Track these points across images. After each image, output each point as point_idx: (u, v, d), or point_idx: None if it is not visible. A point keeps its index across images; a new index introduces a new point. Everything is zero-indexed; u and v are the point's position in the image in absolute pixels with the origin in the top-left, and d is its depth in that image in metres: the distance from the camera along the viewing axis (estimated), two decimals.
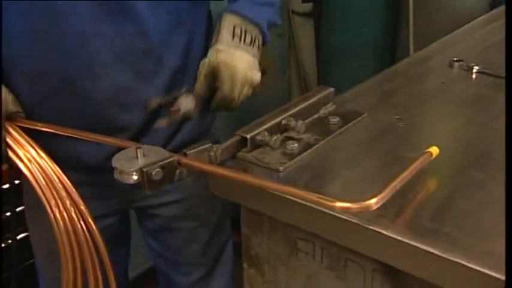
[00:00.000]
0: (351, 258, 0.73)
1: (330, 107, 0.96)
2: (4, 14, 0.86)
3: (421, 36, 1.77)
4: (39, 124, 0.89)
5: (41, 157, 0.87)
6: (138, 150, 0.75)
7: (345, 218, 0.68)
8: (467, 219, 0.67)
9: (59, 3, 0.84)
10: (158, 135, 0.98)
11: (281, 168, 0.79)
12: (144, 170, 0.73)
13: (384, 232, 0.65)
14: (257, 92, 1.00)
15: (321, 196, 0.65)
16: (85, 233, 0.89)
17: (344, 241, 0.71)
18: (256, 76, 0.96)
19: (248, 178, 0.72)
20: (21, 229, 1.44)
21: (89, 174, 1.00)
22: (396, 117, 0.94)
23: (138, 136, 0.97)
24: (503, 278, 0.56)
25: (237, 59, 0.93)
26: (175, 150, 0.82)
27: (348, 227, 0.68)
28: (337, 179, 0.78)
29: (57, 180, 0.87)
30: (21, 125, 0.89)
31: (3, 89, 0.87)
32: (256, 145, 0.84)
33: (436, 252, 0.61)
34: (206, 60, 0.93)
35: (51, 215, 0.87)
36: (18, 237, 1.48)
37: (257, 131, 0.84)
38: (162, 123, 0.95)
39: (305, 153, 0.83)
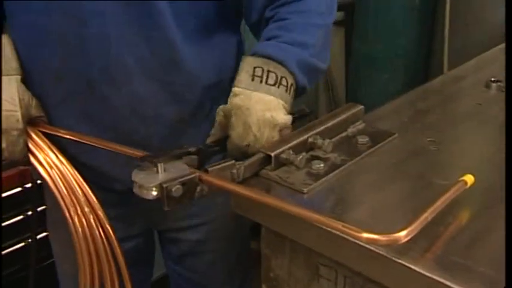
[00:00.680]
0: None
1: (359, 125, 0.93)
2: (31, 13, 0.85)
3: (456, 53, 1.71)
4: (61, 131, 0.88)
5: (62, 163, 0.87)
6: (159, 164, 0.73)
7: (371, 248, 0.64)
8: (504, 256, 0.63)
9: (86, 4, 0.82)
10: None
11: (305, 190, 0.76)
12: (164, 186, 0.71)
13: (412, 267, 0.61)
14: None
15: (346, 225, 0.61)
16: (103, 240, 0.88)
17: (369, 272, 0.67)
18: (280, 117, 0.83)
19: (270, 200, 0.69)
20: (41, 229, 1.45)
21: (114, 195, 0.98)
22: (428, 139, 0.90)
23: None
24: None
25: (254, 101, 0.83)
26: None
27: (374, 257, 0.65)
28: (364, 204, 0.75)
29: (77, 187, 0.87)
30: (44, 130, 0.88)
31: (27, 93, 0.86)
32: (281, 163, 0.81)
33: None
34: (220, 107, 0.86)
35: (70, 221, 0.87)
36: (38, 236, 1.49)
37: (282, 149, 0.81)
38: None
39: (331, 175, 0.80)
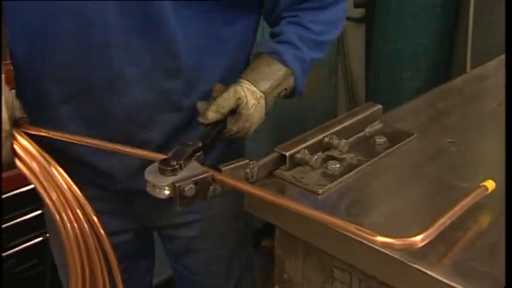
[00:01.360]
0: None
1: (377, 125, 0.91)
2: (35, 14, 0.84)
3: (480, 51, 1.68)
4: (42, 130, 0.83)
5: (49, 163, 0.81)
6: (179, 164, 0.72)
7: (387, 252, 0.63)
8: None
9: (91, 11, 0.81)
10: None
11: (320, 191, 0.75)
12: (177, 185, 0.70)
13: (429, 272, 0.60)
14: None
15: (360, 228, 0.60)
16: (94, 240, 0.82)
17: (384, 276, 0.65)
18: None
19: (283, 201, 0.68)
20: None
21: (109, 190, 0.96)
22: (449, 140, 0.88)
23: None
24: None
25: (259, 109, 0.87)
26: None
27: (389, 261, 0.63)
28: (380, 207, 0.73)
29: (65, 187, 0.81)
30: (27, 131, 0.82)
31: (11, 94, 0.82)
32: (296, 163, 0.80)
33: None
34: (231, 95, 0.85)
35: (59, 222, 0.81)
36: None
37: (297, 149, 0.80)
38: None
39: (347, 175, 0.78)
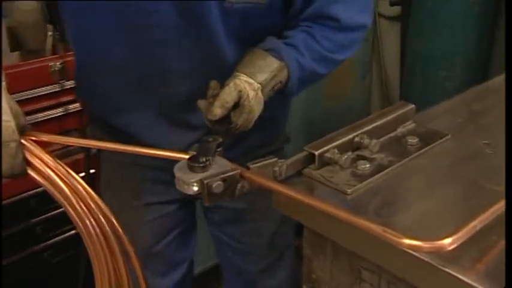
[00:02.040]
0: None
1: (409, 125, 0.89)
2: (98, 12, 0.89)
3: None
4: (48, 136, 0.81)
5: (62, 166, 0.79)
6: (209, 161, 0.72)
7: (416, 254, 0.61)
8: None
9: (151, 15, 0.87)
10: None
11: (349, 191, 0.74)
12: (205, 182, 0.70)
13: (460, 277, 0.58)
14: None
15: (387, 230, 0.58)
16: (118, 246, 0.81)
17: (413, 279, 0.64)
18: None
19: (311, 200, 0.67)
20: None
21: (158, 159, 0.99)
22: (484, 141, 0.85)
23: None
24: None
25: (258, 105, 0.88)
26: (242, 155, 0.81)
27: (419, 265, 0.62)
28: (411, 208, 0.72)
29: (81, 189, 0.79)
30: (34, 138, 0.79)
31: (13, 102, 0.79)
32: (325, 163, 0.79)
33: None
34: (232, 89, 0.86)
35: (80, 224, 0.79)
36: None
37: (326, 148, 0.79)
38: None
39: (377, 176, 0.77)
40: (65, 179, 0.78)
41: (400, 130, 0.88)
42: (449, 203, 0.72)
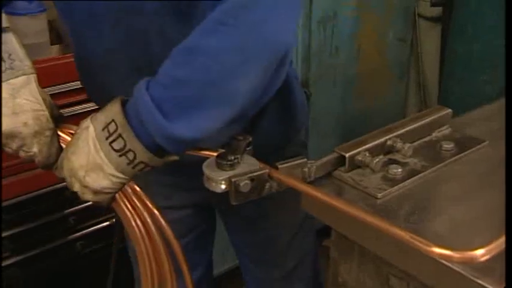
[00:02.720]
0: None
1: (445, 130, 0.87)
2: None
3: None
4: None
5: None
6: (237, 159, 0.72)
7: (447, 264, 0.60)
8: None
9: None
10: None
11: (379, 195, 0.72)
12: (233, 180, 0.70)
13: None
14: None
15: (415, 237, 0.57)
16: (164, 247, 0.80)
17: None
18: (95, 183, 0.72)
19: (339, 203, 0.66)
20: None
21: (174, 164, 0.98)
22: None
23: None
24: None
25: (80, 152, 0.72)
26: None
27: (449, 274, 0.60)
28: (444, 216, 0.70)
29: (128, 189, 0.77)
30: (71, 131, 0.78)
31: (44, 92, 0.79)
32: (355, 165, 0.78)
33: None
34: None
35: (125, 217, 0.78)
36: None
37: (357, 150, 0.77)
38: None
39: (409, 181, 0.75)
40: None
41: (435, 135, 0.85)
42: (485, 212, 0.70)
